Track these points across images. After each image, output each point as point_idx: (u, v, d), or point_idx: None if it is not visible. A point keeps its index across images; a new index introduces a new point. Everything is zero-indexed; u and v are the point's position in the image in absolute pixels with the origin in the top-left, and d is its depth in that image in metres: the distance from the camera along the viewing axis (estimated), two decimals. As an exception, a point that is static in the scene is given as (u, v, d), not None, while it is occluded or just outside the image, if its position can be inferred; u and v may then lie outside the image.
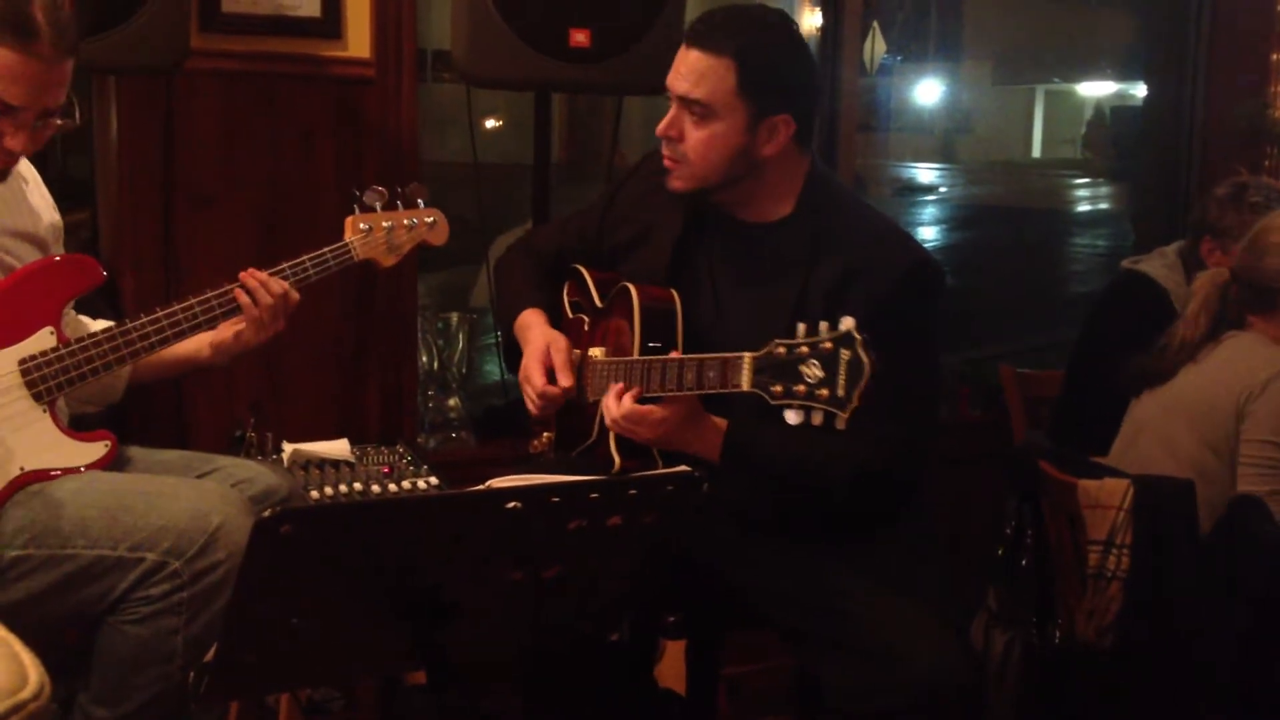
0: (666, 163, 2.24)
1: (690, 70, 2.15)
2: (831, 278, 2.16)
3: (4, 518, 2.03)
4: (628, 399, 2.08)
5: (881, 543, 2.20)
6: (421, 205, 2.51)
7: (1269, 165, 4.05)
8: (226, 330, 2.29)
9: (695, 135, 2.18)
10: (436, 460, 2.87)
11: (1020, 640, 2.98)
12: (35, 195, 2.30)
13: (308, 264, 2.34)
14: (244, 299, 2.25)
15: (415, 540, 1.58)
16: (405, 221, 2.47)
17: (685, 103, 2.17)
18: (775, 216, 2.26)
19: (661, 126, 2.21)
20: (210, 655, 1.58)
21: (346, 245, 2.39)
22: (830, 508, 2.17)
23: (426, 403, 3.37)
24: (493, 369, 4.20)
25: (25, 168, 2.29)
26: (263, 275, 2.27)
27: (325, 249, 2.37)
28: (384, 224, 2.44)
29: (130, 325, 2.16)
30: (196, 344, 2.31)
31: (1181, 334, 2.87)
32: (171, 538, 2.00)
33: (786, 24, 2.23)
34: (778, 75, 2.18)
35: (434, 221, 2.52)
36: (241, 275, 2.26)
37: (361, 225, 2.42)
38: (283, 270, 2.30)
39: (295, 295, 2.30)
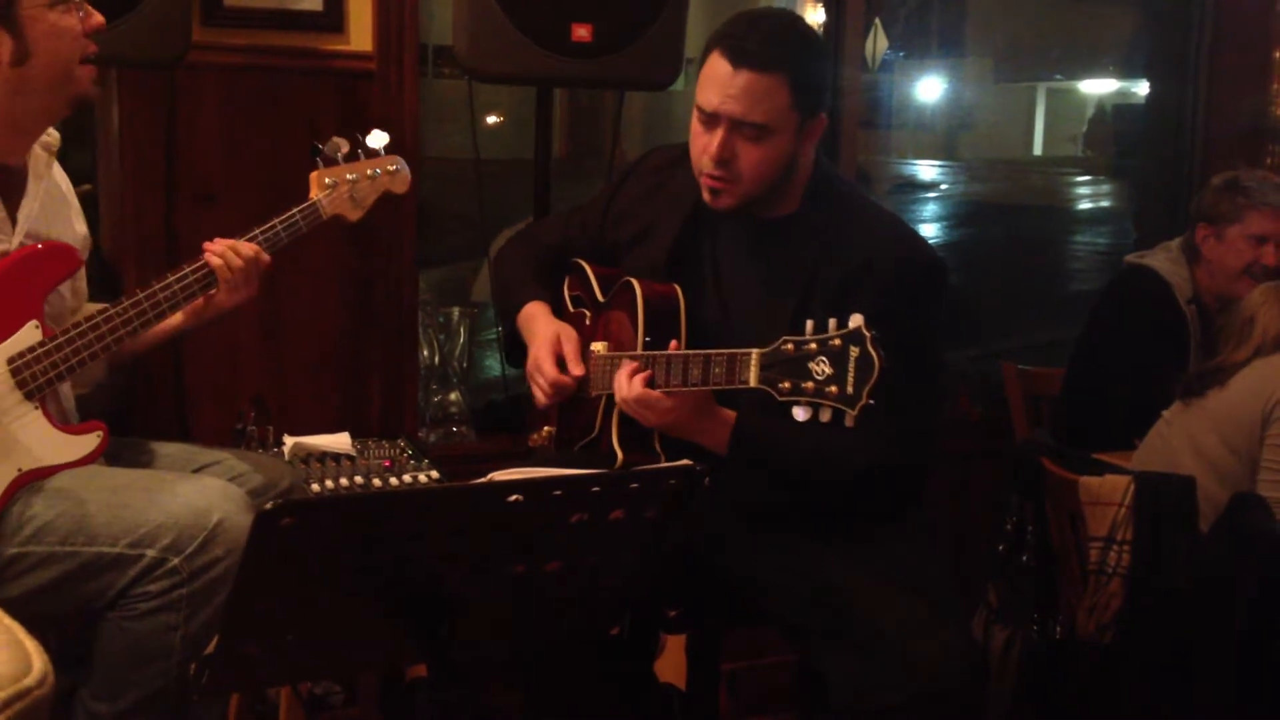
0: (714, 183, 2.17)
1: (743, 93, 2.09)
2: (837, 275, 2.16)
3: (5, 515, 2.03)
4: (638, 381, 2.07)
5: (885, 538, 2.20)
6: (382, 152, 2.44)
7: (1270, 163, 4.05)
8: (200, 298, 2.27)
9: (752, 154, 2.13)
10: (437, 454, 2.87)
11: (1020, 636, 2.99)
12: (72, 209, 2.31)
13: (278, 227, 2.29)
14: (217, 262, 2.22)
15: (416, 533, 1.58)
16: (368, 172, 2.40)
17: (737, 125, 2.12)
18: (781, 213, 2.26)
19: (714, 152, 2.13)
20: (211, 648, 1.58)
21: (314, 204, 2.34)
22: (836, 502, 2.17)
23: (428, 397, 3.37)
24: (493, 364, 4.19)
25: (64, 180, 2.30)
26: (228, 241, 2.24)
27: (294, 210, 2.32)
28: (348, 176, 2.38)
29: (112, 311, 2.13)
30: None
31: (1256, 345, 2.81)
32: (171, 534, 1.99)
33: (808, 25, 2.23)
34: (820, 80, 2.18)
35: (396, 169, 2.44)
36: (206, 245, 2.24)
37: (326, 180, 2.36)
38: (254, 236, 2.27)
39: (266, 258, 2.27)
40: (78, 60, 2.10)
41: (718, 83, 2.11)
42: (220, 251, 2.23)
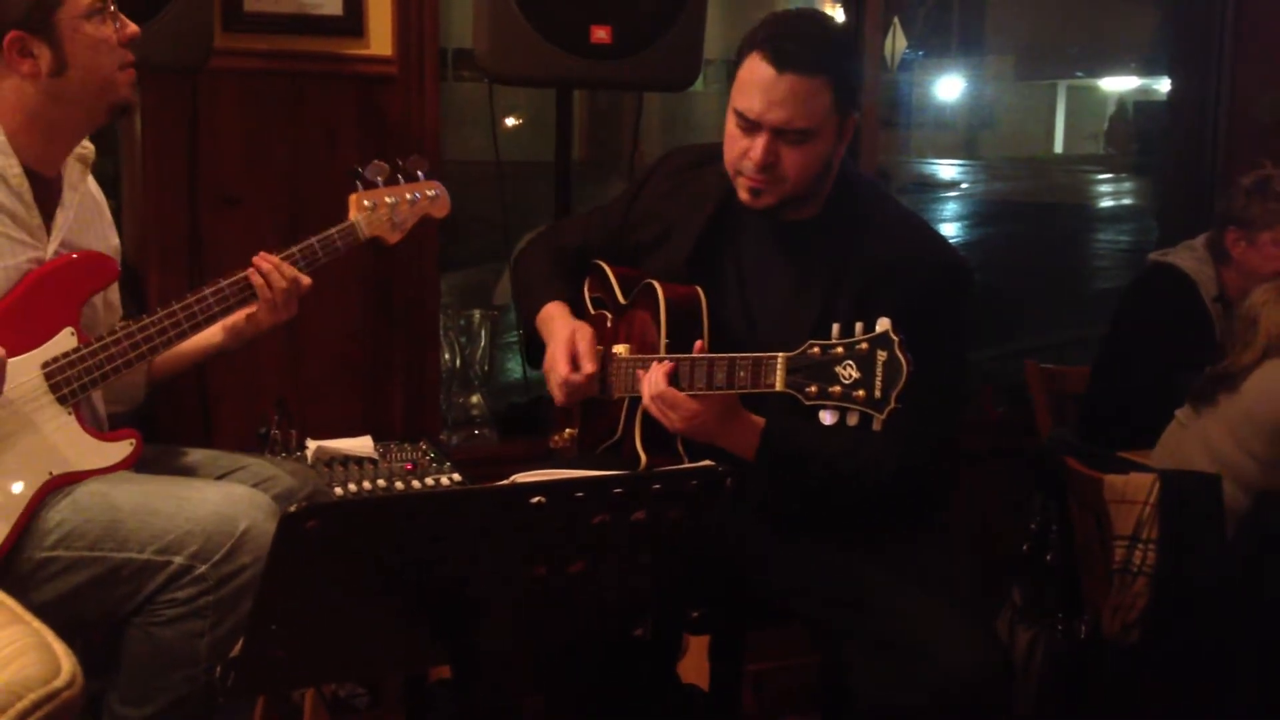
0: (754, 184, 2.16)
1: (787, 97, 2.07)
2: (861, 277, 2.15)
3: (35, 519, 2.04)
4: (660, 376, 2.06)
5: (909, 539, 2.20)
6: (422, 177, 2.47)
7: (1294, 159, 4.02)
8: (239, 314, 2.29)
9: (795, 157, 2.12)
10: (459, 457, 2.87)
11: (1045, 636, 2.98)
12: (105, 220, 2.34)
13: (316, 246, 2.32)
14: (259, 281, 2.24)
15: (439, 535, 1.58)
16: (408, 196, 2.43)
17: (782, 131, 2.10)
18: (805, 214, 2.25)
19: (758, 158, 2.11)
20: (237, 650, 1.59)
21: (352, 225, 2.37)
22: (863, 505, 2.17)
23: (449, 400, 3.38)
24: (515, 366, 4.20)
25: (98, 193, 2.33)
26: (275, 259, 2.26)
27: (332, 230, 2.35)
28: (387, 200, 2.40)
29: (148, 320, 2.16)
30: (209, 332, 2.31)
31: (1265, 345, 2.78)
32: (198, 541, 2.00)
33: (840, 25, 2.22)
34: (857, 81, 2.18)
35: (436, 195, 2.47)
36: (254, 259, 2.26)
37: (365, 202, 2.38)
38: (292, 255, 2.29)
39: (307, 280, 2.30)
40: (116, 69, 2.12)
41: (761, 87, 2.09)
42: (267, 270, 2.25)
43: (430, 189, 2.47)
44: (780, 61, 2.07)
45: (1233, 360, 2.80)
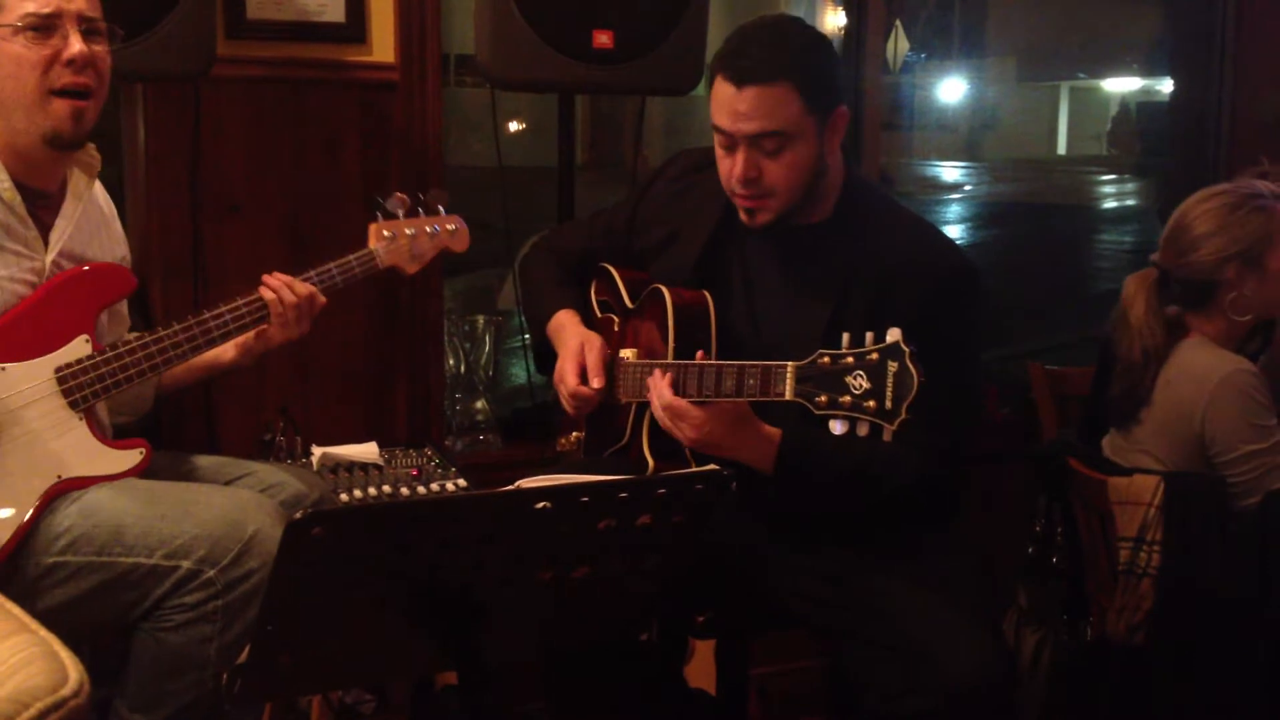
0: (748, 203, 2.17)
1: (753, 109, 2.08)
2: (871, 282, 2.15)
3: (42, 525, 2.05)
4: (665, 387, 2.05)
5: (917, 543, 2.19)
6: (442, 212, 2.51)
7: (1297, 158, 4.01)
8: (250, 331, 2.31)
9: (777, 167, 2.13)
10: (464, 462, 2.88)
11: (1050, 638, 2.97)
12: (111, 231, 2.35)
13: (334, 271, 2.36)
14: (270, 296, 2.27)
15: (445, 541, 1.58)
16: (428, 229, 2.48)
17: (756, 140, 2.11)
18: (813, 219, 2.24)
19: (739, 173, 2.13)
20: (244, 656, 1.59)
21: (371, 253, 2.41)
22: (879, 514, 2.16)
23: (454, 405, 3.38)
24: (519, 371, 4.21)
25: (106, 202, 2.34)
26: (286, 277, 2.29)
27: (350, 256, 2.38)
28: (407, 231, 2.45)
29: (163, 334, 2.18)
30: (221, 349, 2.33)
31: (1141, 346, 2.72)
32: (206, 546, 2.01)
33: (806, 25, 2.22)
34: (827, 74, 2.16)
35: (455, 229, 2.52)
36: (264, 278, 2.28)
37: (385, 233, 2.43)
38: (310, 278, 2.32)
39: (322, 299, 2.33)
40: (44, 91, 2.07)
41: (726, 105, 2.11)
42: (276, 287, 2.27)
43: (450, 223, 2.52)
44: (738, 77, 2.09)
45: (1124, 360, 2.75)
